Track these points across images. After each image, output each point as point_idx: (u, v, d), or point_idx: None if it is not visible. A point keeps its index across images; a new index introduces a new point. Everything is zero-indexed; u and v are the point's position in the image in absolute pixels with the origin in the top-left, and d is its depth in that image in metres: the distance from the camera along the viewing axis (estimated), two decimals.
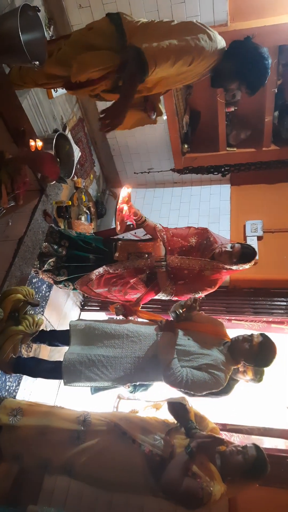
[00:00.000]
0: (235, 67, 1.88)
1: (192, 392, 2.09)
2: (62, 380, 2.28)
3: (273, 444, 2.80)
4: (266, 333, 2.18)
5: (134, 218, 2.43)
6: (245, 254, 2.29)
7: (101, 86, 1.98)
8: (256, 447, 2.02)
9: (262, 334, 2.15)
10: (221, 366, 2.09)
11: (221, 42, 1.90)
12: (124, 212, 2.40)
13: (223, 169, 4.18)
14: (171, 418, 2.30)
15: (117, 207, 2.36)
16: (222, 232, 3.86)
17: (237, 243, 2.34)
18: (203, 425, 2.23)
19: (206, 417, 2.30)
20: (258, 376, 2.31)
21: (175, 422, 2.26)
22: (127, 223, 2.48)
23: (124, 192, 2.40)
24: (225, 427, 2.87)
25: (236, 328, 3.38)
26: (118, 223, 2.38)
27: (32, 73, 2.12)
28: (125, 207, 2.39)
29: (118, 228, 2.40)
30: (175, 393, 2.30)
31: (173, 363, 2.07)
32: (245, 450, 2.01)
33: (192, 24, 1.86)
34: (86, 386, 2.26)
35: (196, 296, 2.40)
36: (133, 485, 2.10)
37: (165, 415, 2.35)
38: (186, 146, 4.12)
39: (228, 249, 2.31)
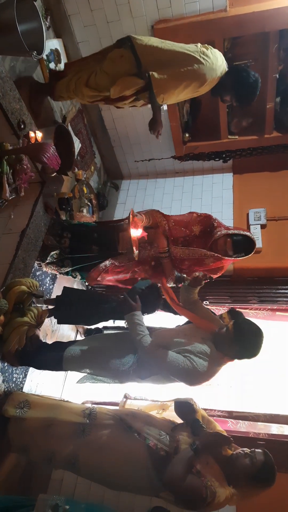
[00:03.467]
0: (231, 86, 2.52)
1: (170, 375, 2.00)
2: (67, 373, 2.29)
3: (280, 430, 2.81)
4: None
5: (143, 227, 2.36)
6: (237, 243, 2.27)
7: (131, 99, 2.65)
8: (265, 452, 1.96)
9: (235, 324, 1.96)
10: (201, 355, 1.96)
11: (221, 67, 2.45)
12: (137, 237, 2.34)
13: (224, 155, 4.13)
14: (178, 420, 2.26)
15: (131, 237, 2.25)
16: (225, 221, 3.82)
17: (229, 236, 2.30)
18: (210, 428, 2.19)
19: (213, 420, 2.27)
20: None
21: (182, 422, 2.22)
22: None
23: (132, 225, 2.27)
24: (231, 415, 2.87)
25: None
26: (134, 248, 2.29)
27: (81, 90, 2.65)
28: (139, 233, 2.33)
29: (136, 253, 2.30)
30: (183, 393, 2.27)
31: (146, 338, 2.02)
32: (253, 454, 1.95)
33: (192, 58, 2.35)
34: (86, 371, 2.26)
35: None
36: (135, 481, 2.06)
37: (172, 418, 2.32)
38: (187, 135, 4.07)
39: (222, 245, 2.30)
